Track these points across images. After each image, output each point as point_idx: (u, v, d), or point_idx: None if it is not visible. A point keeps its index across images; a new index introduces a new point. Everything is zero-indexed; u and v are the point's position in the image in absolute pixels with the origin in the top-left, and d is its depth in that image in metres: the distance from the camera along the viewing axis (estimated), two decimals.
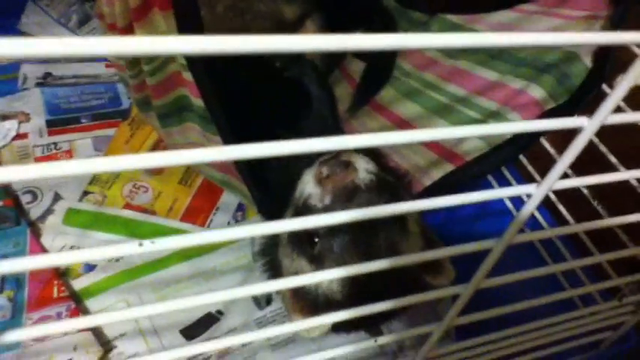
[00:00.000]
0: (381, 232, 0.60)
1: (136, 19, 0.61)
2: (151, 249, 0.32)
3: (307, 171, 0.65)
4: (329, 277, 0.41)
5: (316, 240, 0.62)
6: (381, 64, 1.02)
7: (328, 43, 0.26)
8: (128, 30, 0.65)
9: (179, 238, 0.33)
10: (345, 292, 0.61)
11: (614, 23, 0.64)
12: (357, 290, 0.61)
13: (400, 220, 0.63)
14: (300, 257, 0.65)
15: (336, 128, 0.93)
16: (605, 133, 0.41)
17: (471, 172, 0.75)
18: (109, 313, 0.36)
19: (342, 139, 0.31)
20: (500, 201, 1.07)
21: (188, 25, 0.54)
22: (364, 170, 0.62)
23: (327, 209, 0.60)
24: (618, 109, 0.35)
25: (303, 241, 0.64)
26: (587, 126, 0.36)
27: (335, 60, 1.07)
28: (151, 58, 0.66)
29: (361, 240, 0.60)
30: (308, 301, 0.65)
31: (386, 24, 1.05)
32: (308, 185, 0.63)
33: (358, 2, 1.04)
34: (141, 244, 0.31)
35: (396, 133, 0.32)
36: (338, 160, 0.61)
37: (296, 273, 0.66)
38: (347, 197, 0.60)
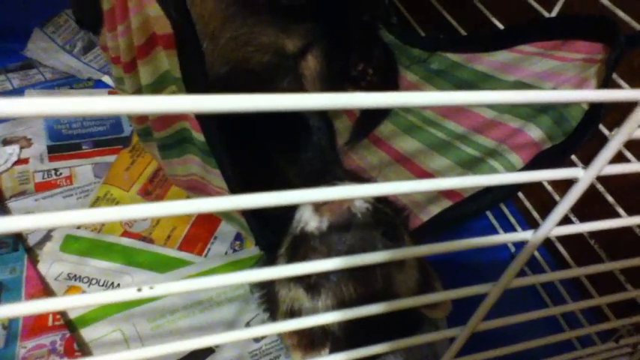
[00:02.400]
0: (378, 265, 0.61)
1: (139, 57, 0.63)
2: (150, 294, 0.32)
3: (303, 205, 0.66)
4: (328, 320, 0.41)
5: None
6: None
7: (336, 101, 0.26)
8: (132, 65, 0.66)
9: (177, 284, 0.33)
10: (341, 321, 0.61)
11: (610, 67, 0.65)
12: (353, 320, 0.61)
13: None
14: (297, 286, 0.65)
15: (334, 160, 0.94)
16: None
17: (468, 208, 0.76)
18: (111, 355, 0.36)
19: (350, 188, 0.31)
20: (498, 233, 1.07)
21: (191, 64, 0.55)
22: (360, 202, 0.62)
23: (323, 237, 0.61)
24: (618, 154, 0.36)
25: None
26: (583, 177, 0.37)
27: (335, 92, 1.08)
28: (154, 93, 0.66)
29: (357, 269, 0.60)
30: (305, 332, 0.65)
31: (386, 59, 1.07)
32: (305, 213, 0.64)
33: (358, 37, 1.06)
34: (139, 290, 0.32)
35: (411, 183, 0.32)
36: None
37: (292, 303, 0.66)
38: (343, 225, 0.61)
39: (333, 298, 0.61)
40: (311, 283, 0.63)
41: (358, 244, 0.60)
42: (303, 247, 0.64)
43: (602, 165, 0.36)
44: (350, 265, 0.36)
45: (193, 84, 0.56)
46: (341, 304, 0.61)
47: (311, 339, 0.64)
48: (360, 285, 0.60)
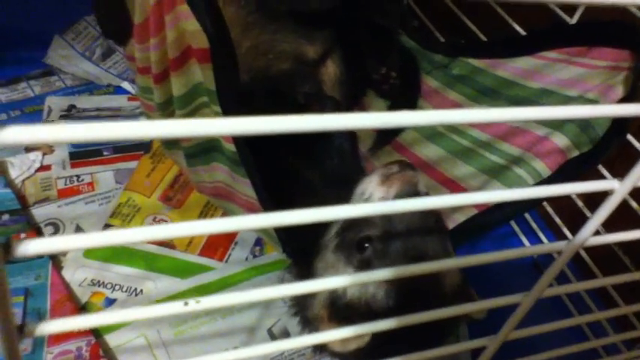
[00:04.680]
0: (430, 245, 0.61)
1: (173, 69, 0.63)
2: (196, 308, 0.32)
3: (368, 177, 0.66)
4: (375, 329, 0.41)
5: (367, 245, 0.62)
6: (403, 105, 1.03)
7: (375, 121, 0.27)
8: (163, 76, 0.66)
9: (223, 297, 0.33)
10: (387, 306, 0.61)
11: (637, 75, 0.64)
12: (398, 308, 0.60)
13: (444, 242, 0.64)
14: (347, 266, 0.65)
15: (356, 166, 0.94)
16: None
17: (493, 217, 0.76)
18: None
19: (388, 204, 0.32)
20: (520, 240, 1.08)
21: (226, 79, 0.56)
22: (423, 184, 0.63)
23: None
24: None
25: (352, 247, 0.64)
26: (618, 189, 0.37)
27: (356, 98, 1.08)
28: (185, 104, 0.68)
29: (411, 248, 0.60)
30: (346, 319, 0.64)
31: (408, 63, 1.07)
32: (370, 185, 0.64)
33: (379, 43, 1.06)
34: (186, 304, 0.32)
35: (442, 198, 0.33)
36: (405, 162, 0.64)
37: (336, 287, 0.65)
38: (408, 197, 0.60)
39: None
40: (364, 259, 0.62)
41: (417, 224, 0.60)
42: (358, 224, 0.63)
43: (638, 177, 0.36)
44: (404, 274, 0.36)
45: (227, 98, 0.56)
46: (391, 283, 0.59)
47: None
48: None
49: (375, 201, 0.63)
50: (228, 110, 0.57)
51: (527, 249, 0.42)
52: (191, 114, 0.70)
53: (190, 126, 0.24)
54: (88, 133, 0.22)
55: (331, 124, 0.26)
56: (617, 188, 0.37)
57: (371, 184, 0.64)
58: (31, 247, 0.26)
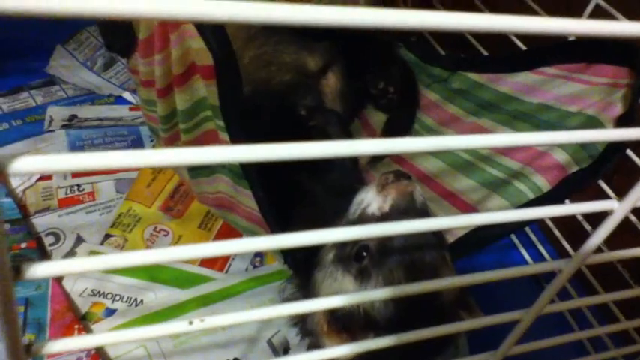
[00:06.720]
0: (427, 254, 0.61)
1: (177, 85, 0.64)
2: (201, 327, 0.33)
3: (366, 186, 0.67)
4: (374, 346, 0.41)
5: (365, 254, 0.63)
6: (402, 117, 1.04)
7: (388, 147, 0.27)
8: (166, 90, 0.67)
9: (229, 317, 0.34)
10: (386, 314, 0.61)
11: (636, 93, 0.65)
12: (397, 316, 0.61)
13: (441, 250, 0.64)
14: (345, 275, 0.65)
15: (357, 178, 0.95)
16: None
17: (493, 230, 0.76)
18: None
19: (384, 226, 0.32)
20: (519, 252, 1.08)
21: (230, 96, 0.57)
22: (419, 192, 0.64)
23: (384, 218, 0.62)
24: None
25: (350, 256, 0.64)
26: (617, 209, 0.37)
27: (355, 110, 1.09)
28: (188, 117, 0.68)
29: (408, 257, 0.61)
30: (345, 326, 0.64)
31: (406, 78, 1.07)
32: (369, 195, 0.65)
33: (378, 55, 1.07)
34: (191, 323, 0.33)
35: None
36: (401, 171, 0.65)
37: (337, 294, 0.65)
38: (405, 208, 0.61)
39: (383, 282, 0.61)
40: (362, 268, 0.63)
41: (414, 232, 0.60)
42: None
43: (638, 197, 0.37)
44: (402, 294, 0.36)
45: (231, 115, 0.57)
46: None
47: (352, 335, 0.63)
48: (410, 273, 0.60)
49: (373, 210, 0.63)
50: (232, 126, 0.58)
51: (528, 267, 0.43)
52: (194, 127, 0.71)
53: (196, 154, 0.24)
54: (97, 162, 0.22)
55: (336, 152, 0.26)
56: (616, 208, 0.37)
57: (368, 194, 0.65)
58: (40, 270, 0.26)
